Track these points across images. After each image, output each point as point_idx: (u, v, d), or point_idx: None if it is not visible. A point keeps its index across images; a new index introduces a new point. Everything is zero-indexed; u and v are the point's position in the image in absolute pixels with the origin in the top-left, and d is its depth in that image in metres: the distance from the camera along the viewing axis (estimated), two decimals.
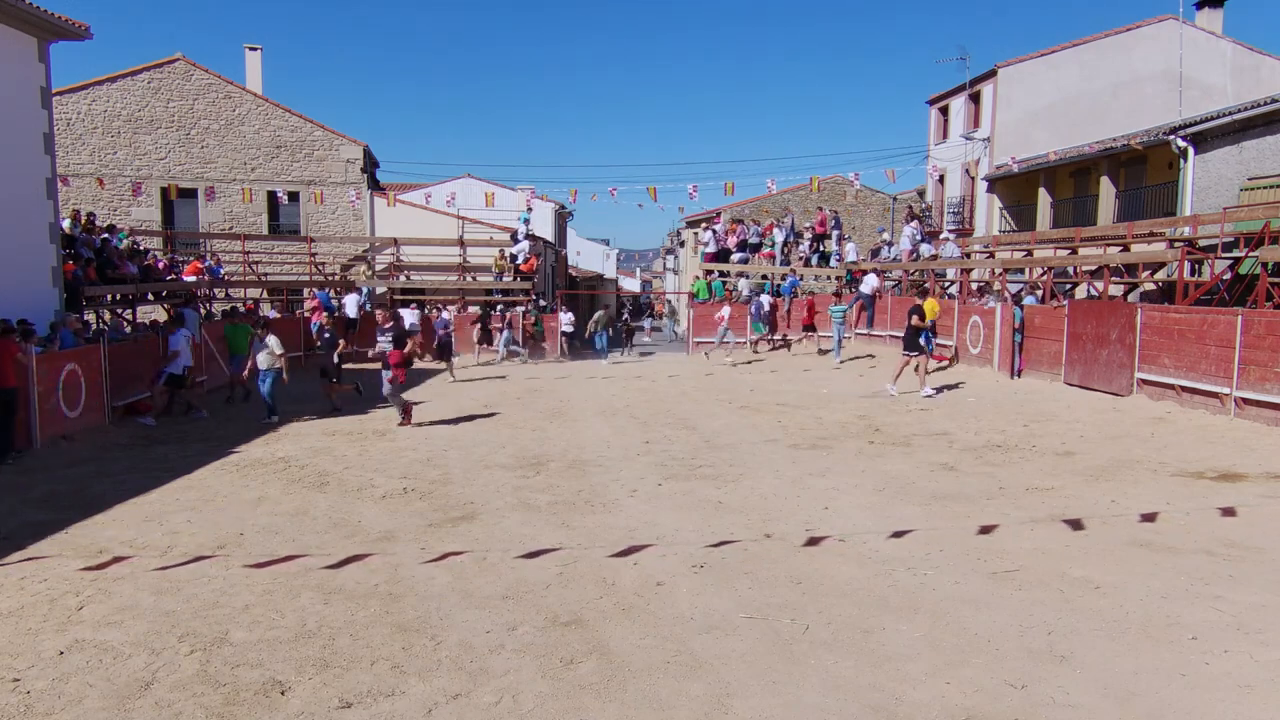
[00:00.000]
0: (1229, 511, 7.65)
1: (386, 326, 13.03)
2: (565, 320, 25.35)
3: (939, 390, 15.29)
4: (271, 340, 13.46)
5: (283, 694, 4.57)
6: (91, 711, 4.41)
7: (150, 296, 19.04)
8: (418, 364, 22.48)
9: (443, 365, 19.63)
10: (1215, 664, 4.76)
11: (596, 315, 24.57)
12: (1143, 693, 4.47)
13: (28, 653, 5.08)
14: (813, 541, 7.01)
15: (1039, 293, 18.99)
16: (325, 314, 21.83)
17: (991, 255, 23.12)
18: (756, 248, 27.49)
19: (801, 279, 26.60)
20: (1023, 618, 5.41)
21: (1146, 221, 18.65)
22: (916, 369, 15.30)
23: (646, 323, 50.00)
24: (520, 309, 25.00)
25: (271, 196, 27.00)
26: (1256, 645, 4.98)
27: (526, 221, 27.41)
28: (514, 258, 26.08)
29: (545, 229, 37.85)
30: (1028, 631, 5.22)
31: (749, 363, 21.91)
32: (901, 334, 16.92)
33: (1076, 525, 7.33)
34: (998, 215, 27.46)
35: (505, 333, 23.20)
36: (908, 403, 14.34)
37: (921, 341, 15.27)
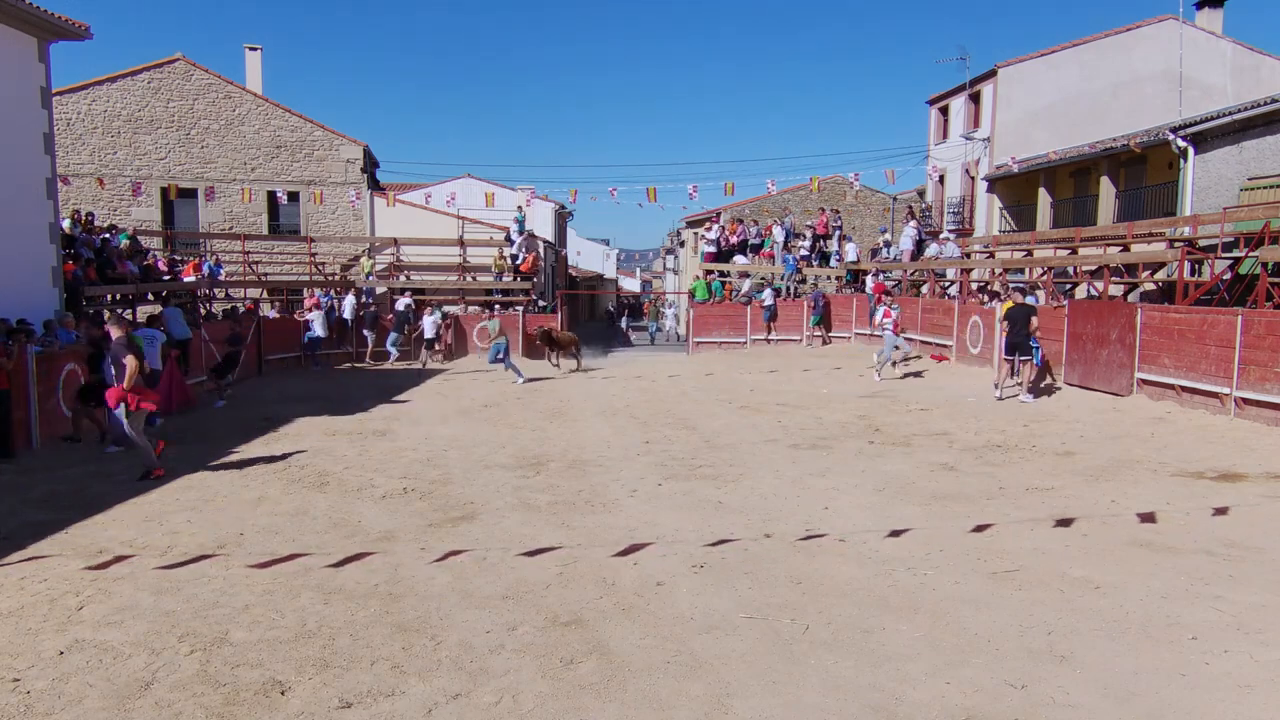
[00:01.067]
0: (1229, 511, 7.65)
1: (114, 349, 9.51)
2: (428, 324, 22.22)
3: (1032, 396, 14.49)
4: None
5: (283, 694, 4.57)
6: (91, 711, 4.41)
7: (150, 296, 19.04)
8: (394, 365, 22.60)
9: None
10: (1215, 664, 4.76)
11: (488, 323, 19.89)
12: (1143, 693, 4.47)
13: (28, 653, 5.08)
14: (813, 541, 7.02)
15: (1039, 292, 18.98)
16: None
17: (991, 255, 23.13)
18: (757, 248, 27.53)
19: (805, 278, 26.60)
20: (1023, 618, 5.41)
21: (1146, 221, 18.63)
22: (1014, 372, 14.68)
23: (624, 322, 48.64)
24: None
25: (271, 196, 26.98)
26: (1256, 645, 4.98)
27: (521, 221, 27.40)
28: (514, 257, 26.09)
29: (545, 229, 37.85)
30: (1028, 631, 5.22)
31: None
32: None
33: (1076, 525, 7.33)
34: (998, 215, 27.45)
35: (393, 334, 22.77)
36: (907, 403, 14.33)
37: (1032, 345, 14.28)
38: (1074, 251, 19.48)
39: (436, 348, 22.82)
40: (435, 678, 4.73)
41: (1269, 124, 17.16)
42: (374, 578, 6.28)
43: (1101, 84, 26.15)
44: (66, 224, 17.22)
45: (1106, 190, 22.57)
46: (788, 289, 25.77)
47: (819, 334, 24.48)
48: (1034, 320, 14.25)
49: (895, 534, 7.15)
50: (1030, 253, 21.24)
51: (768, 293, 25.00)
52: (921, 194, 33.48)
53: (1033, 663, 4.81)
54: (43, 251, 13.89)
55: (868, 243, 30.11)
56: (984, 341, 18.27)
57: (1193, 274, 16.51)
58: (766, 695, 4.51)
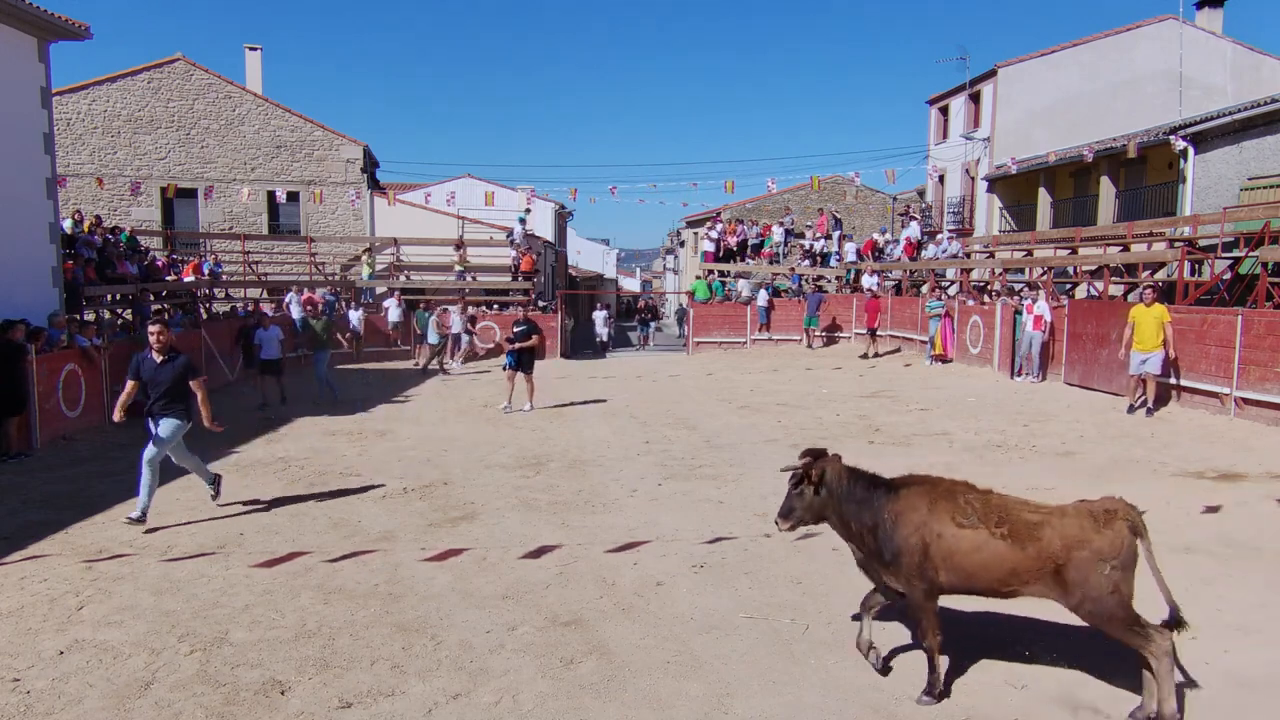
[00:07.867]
0: (1229, 511, 7.64)
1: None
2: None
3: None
4: None
5: (283, 694, 4.57)
6: (91, 711, 4.42)
7: (151, 296, 19.02)
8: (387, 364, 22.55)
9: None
10: (1215, 664, 4.76)
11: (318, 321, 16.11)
12: None
13: (28, 653, 5.08)
14: (813, 541, 7.01)
15: (1039, 292, 18.96)
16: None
17: (991, 255, 23.13)
18: (757, 248, 27.54)
19: (803, 278, 26.63)
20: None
21: (1146, 221, 18.63)
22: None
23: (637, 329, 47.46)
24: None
25: (271, 196, 26.98)
26: (1256, 645, 4.98)
27: (522, 222, 27.42)
28: (515, 257, 26.11)
29: (545, 229, 37.82)
30: (1027, 631, 5.21)
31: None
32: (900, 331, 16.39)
33: None
34: (998, 215, 27.45)
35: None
36: (907, 403, 14.33)
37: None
38: (1074, 251, 19.49)
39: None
40: (435, 678, 4.73)
41: (1269, 124, 17.15)
42: (374, 578, 6.28)
43: (1101, 84, 26.14)
44: (68, 224, 17.21)
45: (1106, 190, 22.57)
46: (789, 290, 25.80)
47: (820, 334, 24.48)
48: (535, 338, 14.22)
49: None
50: (1030, 253, 21.25)
51: (760, 293, 25.11)
52: (921, 194, 33.46)
53: (1033, 662, 4.81)
54: (43, 251, 13.89)
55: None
56: (984, 341, 18.27)
57: (1193, 274, 16.51)
58: (766, 695, 4.51)
